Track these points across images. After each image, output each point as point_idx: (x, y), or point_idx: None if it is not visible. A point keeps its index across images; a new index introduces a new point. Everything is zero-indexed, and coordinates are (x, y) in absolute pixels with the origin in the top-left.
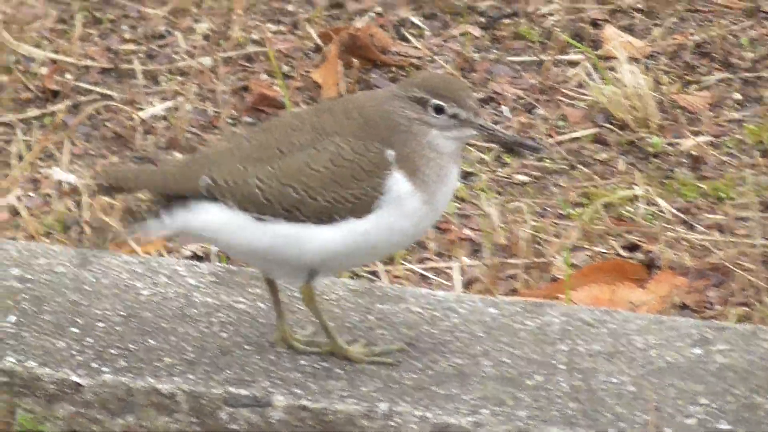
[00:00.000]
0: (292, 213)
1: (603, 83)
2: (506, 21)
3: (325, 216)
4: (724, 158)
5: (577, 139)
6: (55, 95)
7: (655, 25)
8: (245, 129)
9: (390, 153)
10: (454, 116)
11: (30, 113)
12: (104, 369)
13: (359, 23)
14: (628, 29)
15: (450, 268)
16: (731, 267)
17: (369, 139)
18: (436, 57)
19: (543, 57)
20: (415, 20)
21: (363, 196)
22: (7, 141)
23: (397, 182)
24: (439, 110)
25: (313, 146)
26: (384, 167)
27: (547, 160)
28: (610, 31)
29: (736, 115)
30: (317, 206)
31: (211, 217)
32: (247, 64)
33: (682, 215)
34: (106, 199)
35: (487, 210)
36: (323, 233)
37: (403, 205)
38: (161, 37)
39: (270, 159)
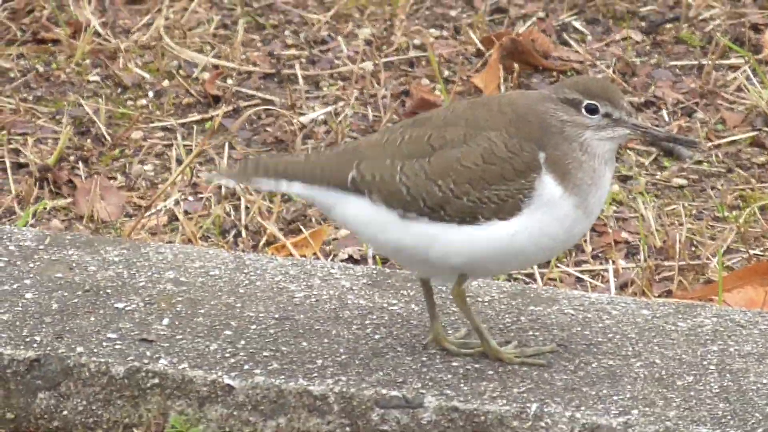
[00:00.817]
0: (437, 212)
1: (762, 87)
2: (668, 26)
3: (469, 216)
4: None
5: (735, 142)
6: (216, 100)
7: None
8: (400, 123)
9: (541, 155)
10: (607, 116)
11: (191, 118)
12: (256, 371)
13: (521, 28)
14: None
15: (606, 270)
16: None
17: (522, 138)
18: (597, 62)
19: (703, 61)
20: (577, 25)
21: (509, 198)
22: (167, 145)
23: (547, 185)
24: (592, 111)
25: (465, 142)
26: (534, 169)
27: (705, 164)
28: None
29: None
30: (462, 205)
31: (356, 211)
32: (409, 69)
33: None
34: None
35: (644, 213)
36: (467, 234)
37: (553, 209)
38: (323, 42)
39: (420, 154)
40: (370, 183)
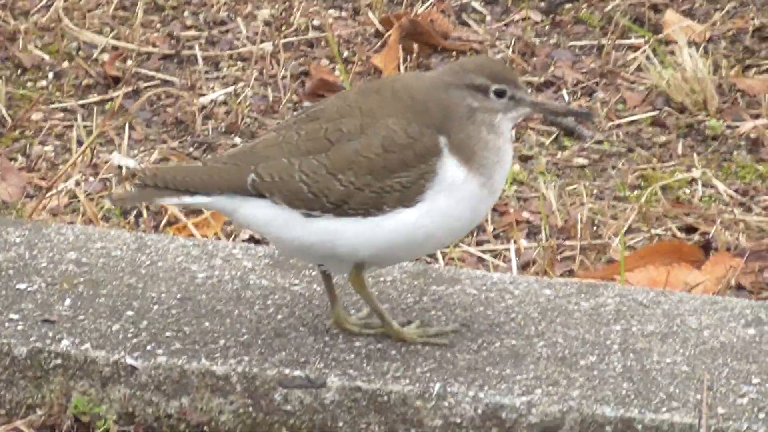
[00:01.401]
0: (341, 207)
1: (663, 67)
2: (567, 6)
3: (373, 207)
4: None
5: (636, 122)
6: (116, 82)
7: (716, 9)
8: (294, 118)
9: (442, 139)
10: (512, 98)
11: (91, 99)
12: (159, 351)
13: (420, 9)
14: (689, 13)
15: (507, 250)
16: None
17: (421, 124)
18: (496, 42)
19: (603, 41)
20: (476, 5)
21: (411, 184)
22: (67, 126)
23: (449, 168)
24: (500, 94)
25: (363, 132)
26: (435, 153)
27: (606, 143)
28: (670, 15)
29: None
30: (365, 197)
31: (259, 214)
32: (308, 50)
33: (739, 197)
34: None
35: (545, 192)
36: (372, 225)
37: (457, 192)
38: (222, 23)
39: (317, 150)
40: (270, 185)
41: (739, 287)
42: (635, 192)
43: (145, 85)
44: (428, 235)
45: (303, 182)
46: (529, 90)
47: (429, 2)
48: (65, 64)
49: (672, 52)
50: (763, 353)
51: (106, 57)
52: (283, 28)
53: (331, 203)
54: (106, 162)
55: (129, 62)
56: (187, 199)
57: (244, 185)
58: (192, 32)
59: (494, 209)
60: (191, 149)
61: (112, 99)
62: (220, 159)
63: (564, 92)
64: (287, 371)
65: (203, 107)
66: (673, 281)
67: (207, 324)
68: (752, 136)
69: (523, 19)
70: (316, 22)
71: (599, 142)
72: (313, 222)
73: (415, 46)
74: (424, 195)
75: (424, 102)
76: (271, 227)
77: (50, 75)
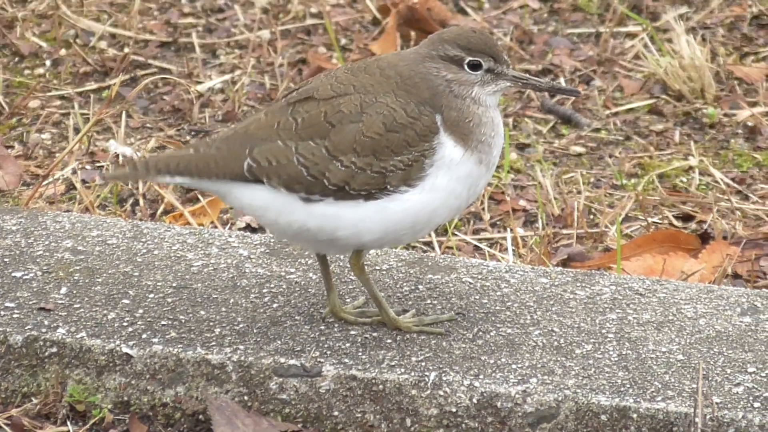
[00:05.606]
0: (342, 189)
1: (660, 55)
2: None
3: (375, 188)
4: None
5: (633, 110)
6: (113, 69)
7: None
8: (284, 100)
9: (438, 117)
10: (489, 71)
11: (88, 87)
12: (154, 340)
13: None
14: (687, 1)
15: (504, 238)
16: None
17: (417, 102)
18: (494, 29)
19: (601, 29)
20: None
21: (413, 162)
22: (65, 114)
23: (447, 147)
24: (475, 66)
25: (363, 111)
26: (435, 131)
27: (603, 131)
28: (668, 2)
29: None
30: (367, 178)
31: (256, 197)
32: (306, 37)
33: (736, 185)
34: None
35: (542, 181)
36: (378, 209)
37: (455, 169)
38: (220, 10)
39: (319, 135)
40: (267, 169)
41: (736, 276)
42: (632, 180)
43: (142, 72)
44: (432, 213)
45: (302, 165)
46: (511, 64)
47: None
48: (63, 51)
49: (669, 40)
50: (758, 342)
51: (103, 44)
52: (281, 15)
53: (333, 185)
54: (103, 150)
55: (126, 50)
56: (179, 180)
57: (240, 171)
58: (189, 20)
59: (491, 197)
60: (188, 137)
61: (109, 87)
62: (212, 143)
63: (562, 80)
64: (283, 360)
65: (200, 95)
66: (670, 270)
67: (203, 312)
68: (749, 123)
69: (521, 7)
70: (313, 10)
71: (596, 131)
72: (312, 206)
73: (413, 33)
74: (426, 173)
75: (410, 77)
76: (269, 212)
77: (48, 62)
